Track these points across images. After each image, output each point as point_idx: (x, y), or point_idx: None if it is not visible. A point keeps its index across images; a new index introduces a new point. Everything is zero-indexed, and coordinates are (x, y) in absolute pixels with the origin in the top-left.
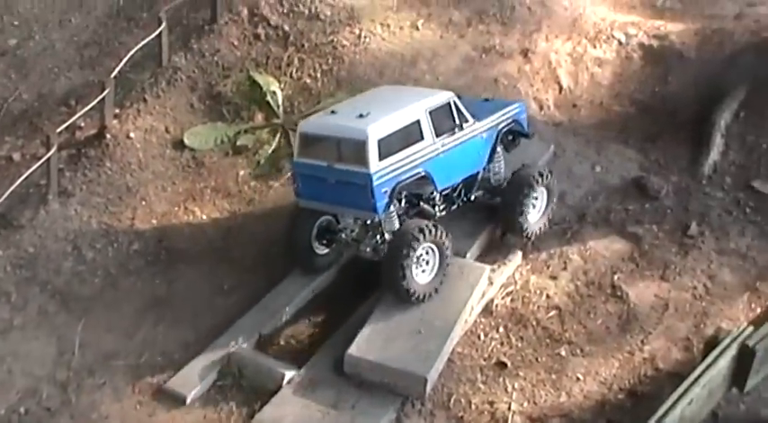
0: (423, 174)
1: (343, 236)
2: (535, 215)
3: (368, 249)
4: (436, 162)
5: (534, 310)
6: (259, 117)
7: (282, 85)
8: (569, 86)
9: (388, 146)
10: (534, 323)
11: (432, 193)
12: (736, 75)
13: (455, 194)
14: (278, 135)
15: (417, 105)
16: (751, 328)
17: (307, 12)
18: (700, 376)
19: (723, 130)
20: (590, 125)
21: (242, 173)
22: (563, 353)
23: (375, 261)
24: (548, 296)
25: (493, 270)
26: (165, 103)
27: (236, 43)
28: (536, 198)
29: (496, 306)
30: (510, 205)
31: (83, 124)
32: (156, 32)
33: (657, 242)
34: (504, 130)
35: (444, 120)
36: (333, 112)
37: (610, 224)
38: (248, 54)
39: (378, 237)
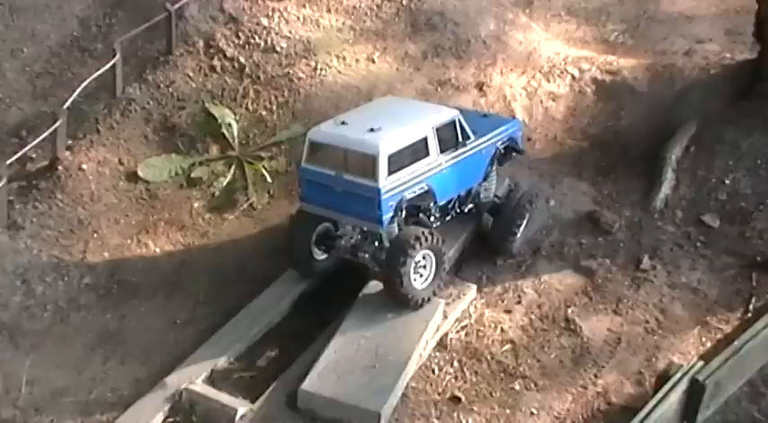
0: (426, 189)
1: (342, 243)
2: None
3: (366, 256)
4: (438, 177)
5: (488, 343)
6: (214, 149)
7: (238, 117)
8: (524, 120)
9: (397, 161)
10: (488, 357)
11: (429, 205)
12: (687, 110)
13: (450, 206)
14: (233, 167)
15: (425, 122)
16: (701, 363)
17: (263, 44)
18: (651, 411)
19: (674, 165)
20: (544, 159)
21: (196, 205)
22: (517, 387)
23: (331, 292)
24: (502, 330)
25: (447, 304)
26: (118, 135)
27: (191, 75)
28: None
29: (451, 340)
30: (509, 224)
31: (34, 155)
32: (111, 63)
33: (610, 276)
34: (502, 146)
35: (449, 137)
36: (343, 122)
37: (563, 258)
38: (204, 86)
39: (376, 244)
